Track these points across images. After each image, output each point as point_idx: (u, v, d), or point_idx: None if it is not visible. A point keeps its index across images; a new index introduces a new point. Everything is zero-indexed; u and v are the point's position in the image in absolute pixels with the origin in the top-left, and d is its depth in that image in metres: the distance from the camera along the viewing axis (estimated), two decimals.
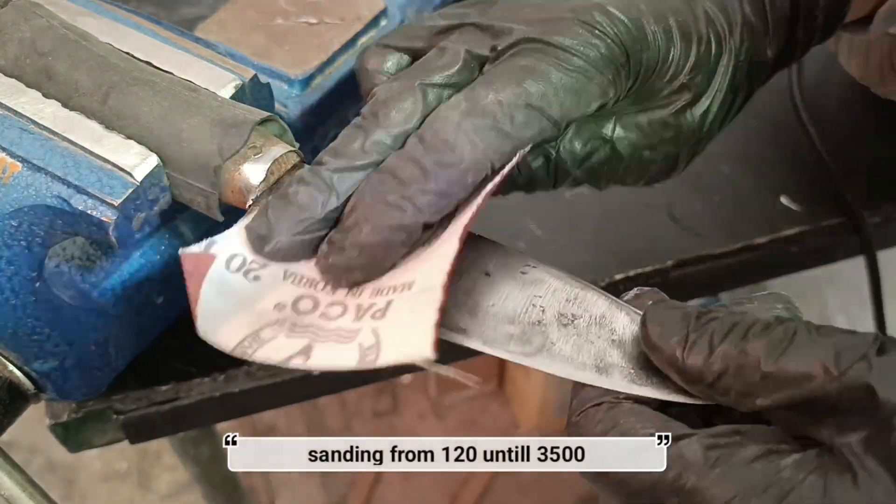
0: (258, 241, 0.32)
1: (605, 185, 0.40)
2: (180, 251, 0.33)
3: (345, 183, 0.32)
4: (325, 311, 0.32)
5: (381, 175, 0.31)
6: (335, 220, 0.32)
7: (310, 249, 0.33)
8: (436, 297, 0.29)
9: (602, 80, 0.34)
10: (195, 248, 0.33)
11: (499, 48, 0.34)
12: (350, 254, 0.31)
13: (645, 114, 0.38)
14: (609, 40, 0.33)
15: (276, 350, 0.31)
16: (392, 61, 0.37)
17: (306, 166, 0.33)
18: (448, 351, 0.30)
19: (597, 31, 0.33)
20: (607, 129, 0.38)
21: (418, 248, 0.33)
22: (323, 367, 0.30)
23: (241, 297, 0.32)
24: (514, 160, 0.32)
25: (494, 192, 0.32)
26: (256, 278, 0.33)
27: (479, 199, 0.32)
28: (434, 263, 0.31)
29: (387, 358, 0.29)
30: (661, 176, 0.40)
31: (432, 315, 0.28)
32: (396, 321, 0.30)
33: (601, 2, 0.34)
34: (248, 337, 0.31)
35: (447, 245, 0.31)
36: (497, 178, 0.32)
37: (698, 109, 0.38)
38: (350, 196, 0.32)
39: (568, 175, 0.39)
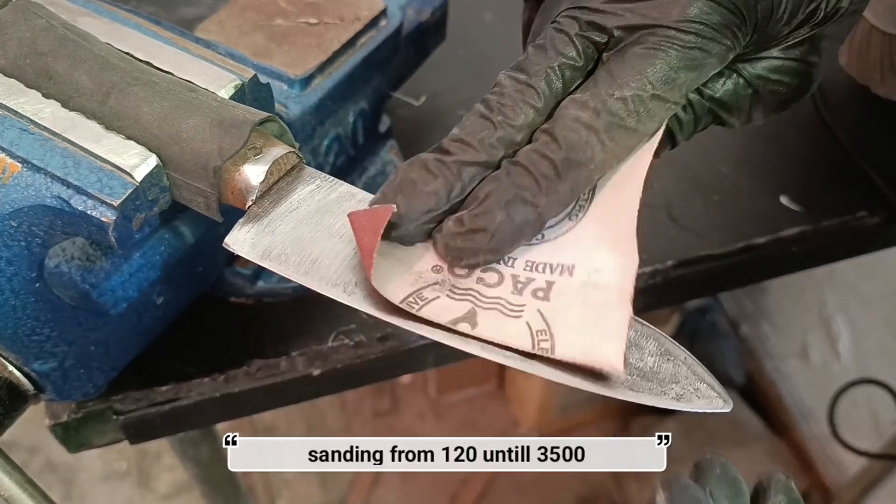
0: (386, 227, 0.32)
1: (738, 121, 0.38)
2: (348, 213, 0.33)
3: (471, 174, 0.32)
4: (481, 277, 0.33)
5: (518, 169, 0.32)
6: (457, 205, 0.33)
7: (428, 233, 0.33)
8: (618, 306, 0.30)
9: (720, 48, 0.33)
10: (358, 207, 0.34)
11: (614, 34, 0.33)
12: (480, 240, 0.32)
13: (767, 60, 0.36)
14: (723, 7, 0.32)
15: (442, 310, 0.32)
16: None
17: (430, 154, 0.33)
18: (447, 354, 0.30)
19: (709, 1, 0.32)
20: (727, 81, 0.37)
21: (562, 219, 0.34)
22: (492, 339, 0.31)
23: (400, 258, 0.33)
24: (653, 147, 0.34)
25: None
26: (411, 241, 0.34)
27: (636, 187, 0.33)
28: (591, 248, 0.33)
29: (567, 353, 0.30)
30: (797, 96, 0.38)
31: (620, 328, 0.30)
32: (567, 314, 0.31)
33: None
34: (413, 294, 0.32)
35: (609, 231, 0.33)
36: (649, 158, 0.33)
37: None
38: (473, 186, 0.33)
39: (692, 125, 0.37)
